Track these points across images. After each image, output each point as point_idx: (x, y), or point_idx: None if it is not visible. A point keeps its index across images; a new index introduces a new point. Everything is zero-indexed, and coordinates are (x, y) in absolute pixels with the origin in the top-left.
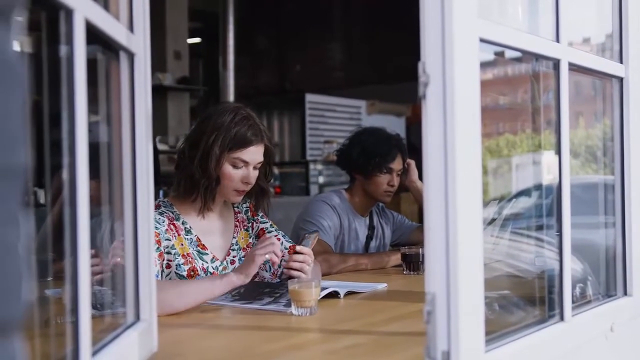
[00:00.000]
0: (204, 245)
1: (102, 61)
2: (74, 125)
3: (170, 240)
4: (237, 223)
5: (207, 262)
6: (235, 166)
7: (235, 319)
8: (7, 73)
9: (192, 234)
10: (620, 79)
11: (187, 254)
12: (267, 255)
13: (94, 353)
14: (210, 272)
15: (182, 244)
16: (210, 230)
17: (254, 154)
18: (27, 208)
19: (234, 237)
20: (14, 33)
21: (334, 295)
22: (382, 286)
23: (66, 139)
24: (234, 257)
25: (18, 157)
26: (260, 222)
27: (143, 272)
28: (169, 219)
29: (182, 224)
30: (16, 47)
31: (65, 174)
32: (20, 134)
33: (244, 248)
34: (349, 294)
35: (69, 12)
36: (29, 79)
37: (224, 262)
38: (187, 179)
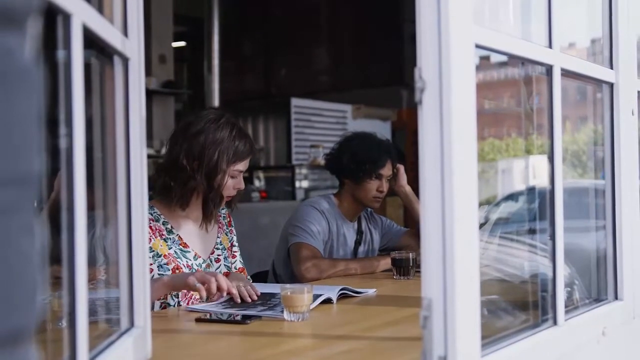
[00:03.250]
0: (186, 243)
1: (96, 66)
2: (71, 130)
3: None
4: (220, 225)
5: (190, 260)
6: (233, 177)
7: (229, 326)
8: (24, 80)
9: (173, 233)
10: (611, 85)
11: (168, 254)
12: (198, 285)
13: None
14: (194, 269)
15: (161, 245)
16: (194, 231)
17: (248, 163)
18: (40, 216)
19: (218, 237)
20: (29, 39)
21: (326, 300)
22: (372, 291)
23: (64, 143)
24: (218, 255)
25: (34, 165)
26: (233, 234)
27: (137, 278)
28: None
29: (163, 224)
30: (31, 53)
31: (62, 179)
32: (36, 141)
33: (228, 248)
34: (342, 297)
35: (67, 17)
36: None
37: (208, 260)
38: (188, 192)
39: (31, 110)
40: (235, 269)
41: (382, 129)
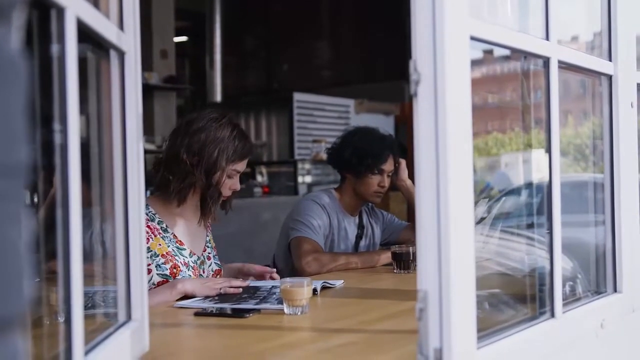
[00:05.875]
0: (181, 241)
1: (92, 60)
2: (66, 125)
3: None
4: (208, 224)
5: (186, 257)
6: (230, 177)
7: (227, 319)
8: (9, 71)
9: (169, 232)
10: (609, 77)
11: (167, 252)
12: (222, 290)
13: (87, 352)
14: (191, 267)
15: (159, 244)
16: (186, 228)
17: (245, 164)
18: (28, 206)
19: (207, 236)
20: (14, 31)
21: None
22: (339, 282)
23: (58, 138)
24: (209, 253)
25: (20, 155)
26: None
27: (134, 271)
28: None
29: (158, 223)
30: (17, 44)
31: (56, 175)
32: (22, 132)
33: (214, 247)
34: (324, 288)
35: (61, 11)
36: (28, 77)
37: (202, 257)
38: (186, 187)
39: (17, 102)
40: (212, 271)
41: (385, 124)
